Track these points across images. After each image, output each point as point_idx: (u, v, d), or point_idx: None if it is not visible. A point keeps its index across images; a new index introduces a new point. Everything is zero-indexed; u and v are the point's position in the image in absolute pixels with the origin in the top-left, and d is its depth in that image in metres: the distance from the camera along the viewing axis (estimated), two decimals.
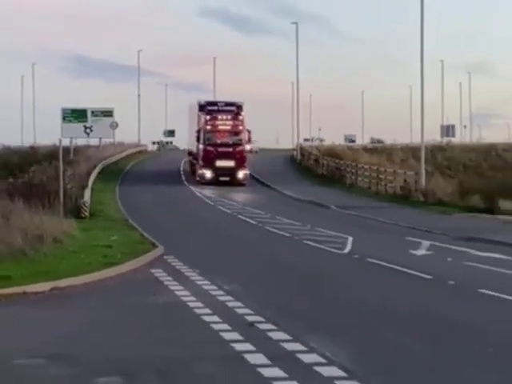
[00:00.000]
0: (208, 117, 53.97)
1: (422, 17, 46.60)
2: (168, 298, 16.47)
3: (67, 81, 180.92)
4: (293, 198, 47.06)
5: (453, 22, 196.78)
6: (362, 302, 16.37)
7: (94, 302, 16.50)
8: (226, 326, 13.39)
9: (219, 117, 54.09)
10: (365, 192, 50.80)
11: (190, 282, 18.32)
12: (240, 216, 35.71)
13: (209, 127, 53.66)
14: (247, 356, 11.40)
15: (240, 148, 53.80)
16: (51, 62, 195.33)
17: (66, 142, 57.04)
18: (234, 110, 55.15)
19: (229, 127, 54.14)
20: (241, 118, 54.63)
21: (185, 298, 16.24)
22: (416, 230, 30.60)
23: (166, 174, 61.32)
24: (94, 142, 75.06)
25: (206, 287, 17.59)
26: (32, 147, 77.41)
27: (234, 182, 52.98)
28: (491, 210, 36.12)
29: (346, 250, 24.81)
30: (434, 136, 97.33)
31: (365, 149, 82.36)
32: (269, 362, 11.06)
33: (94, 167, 55.70)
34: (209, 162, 53.20)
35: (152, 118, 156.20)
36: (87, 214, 33.22)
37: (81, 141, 74.29)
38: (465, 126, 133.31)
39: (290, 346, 11.98)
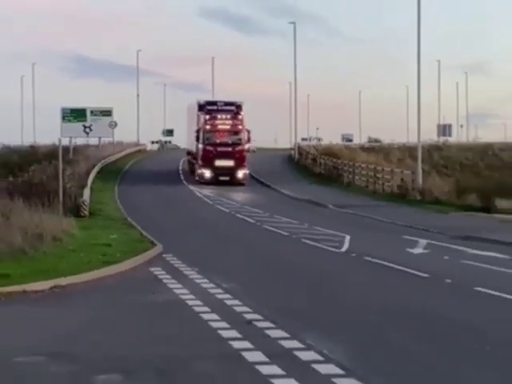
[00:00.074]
0: (207, 116, 53.61)
1: (418, 17, 46.63)
2: (167, 297, 16.47)
3: (67, 80, 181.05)
4: (291, 197, 47.06)
5: (450, 23, 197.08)
6: (360, 301, 16.38)
7: (93, 300, 16.50)
8: (224, 324, 13.40)
9: (219, 116, 53.71)
10: (362, 191, 50.80)
11: (188, 281, 18.33)
12: (238, 215, 35.71)
13: (208, 127, 53.26)
14: (245, 354, 11.41)
15: (239, 148, 53.44)
16: (51, 62, 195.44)
17: (65, 142, 57.06)
18: (234, 109, 54.79)
19: (228, 127, 53.74)
20: (240, 117, 54.25)
21: (184, 296, 16.25)
22: (413, 229, 30.61)
23: (164, 173, 61.28)
24: (93, 141, 75.07)
25: (204, 285, 17.59)
26: (32, 146, 77.38)
27: (234, 182, 52.64)
28: (488, 208, 36.14)
29: (344, 249, 24.82)
30: (430, 135, 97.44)
31: (362, 148, 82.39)
32: (267, 359, 11.07)
33: (94, 166, 55.68)
34: (208, 162, 52.87)
35: (151, 117, 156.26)
36: (86, 212, 33.21)
37: (80, 140, 74.28)
38: (461, 126, 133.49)
39: (287, 344, 11.99)
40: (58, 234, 23.77)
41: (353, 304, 16.01)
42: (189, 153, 61.65)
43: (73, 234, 25.38)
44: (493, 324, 14.07)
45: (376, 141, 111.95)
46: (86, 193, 37.90)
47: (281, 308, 15.25)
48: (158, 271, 19.83)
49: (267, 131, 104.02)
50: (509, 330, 13.67)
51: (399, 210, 39.08)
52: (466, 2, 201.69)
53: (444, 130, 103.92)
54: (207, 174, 52.94)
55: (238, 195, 47.61)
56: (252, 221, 33.26)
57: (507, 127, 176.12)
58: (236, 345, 11.97)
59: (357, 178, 55.02)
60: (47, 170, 42.36)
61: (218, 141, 53.19)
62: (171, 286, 17.68)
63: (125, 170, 63.32)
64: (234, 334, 12.70)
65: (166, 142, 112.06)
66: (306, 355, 11.31)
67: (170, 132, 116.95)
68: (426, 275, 19.33)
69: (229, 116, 53.97)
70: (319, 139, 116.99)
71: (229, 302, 15.51)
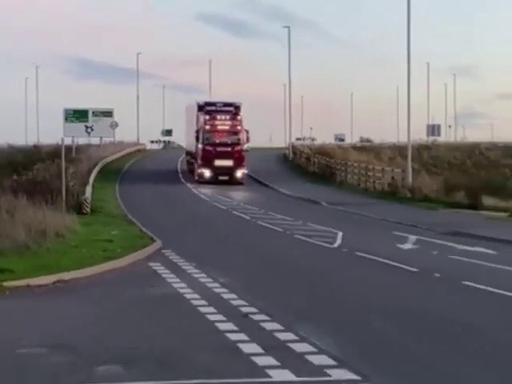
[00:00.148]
0: (207, 117, 53.06)
1: (408, 21, 46.58)
2: (166, 290, 16.46)
3: (70, 82, 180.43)
4: (285, 195, 47.04)
5: (439, 26, 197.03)
6: (351, 294, 16.39)
7: (95, 294, 16.48)
8: (221, 317, 13.40)
9: (218, 117, 53.18)
10: (354, 189, 50.79)
11: (186, 275, 18.32)
12: (235, 212, 35.69)
13: (208, 127, 52.68)
14: (242, 345, 11.41)
15: (238, 148, 52.86)
16: (55, 64, 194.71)
17: (68, 141, 56.82)
18: (232, 110, 54.29)
19: (227, 127, 53.17)
20: (239, 118, 53.74)
21: (182, 290, 16.24)
22: (403, 225, 30.62)
23: (164, 172, 61.14)
24: (94, 141, 74.91)
25: (202, 280, 17.59)
26: (35, 146, 77.18)
27: (233, 181, 52.10)
28: (475, 206, 36.15)
29: (336, 244, 24.81)
30: (420, 135, 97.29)
31: (354, 147, 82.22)
32: (262, 351, 11.07)
33: (95, 165, 55.58)
34: (208, 162, 52.33)
35: (150, 118, 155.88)
36: (88, 210, 33.17)
37: (82, 140, 74.22)
38: (450, 126, 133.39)
39: (282, 336, 11.99)
40: (61, 231, 23.74)
41: (345, 297, 16.02)
42: (188, 153, 61.30)
43: (75, 230, 25.35)
44: (480, 317, 14.10)
45: (367, 140, 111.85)
46: (88, 191, 37.86)
47: (275, 301, 15.25)
48: (157, 266, 19.82)
49: (263, 131, 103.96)
50: (495, 322, 13.69)
51: (390, 207, 39.07)
52: (455, 7, 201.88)
53: (433, 129, 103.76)
54: (207, 173, 52.43)
55: (235, 194, 47.52)
56: (248, 217, 33.25)
57: (494, 127, 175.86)
58: (232, 337, 11.97)
59: (349, 176, 54.99)
60: (50, 168, 42.24)
61: (217, 141, 52.62)
62: (170, 280, 17.67)
63: (125, 169, 63.24)
64: (230, 326, 12.69)
65: (169, 142, 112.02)
66: (300, 347, 11.32)
67: (168, 132, 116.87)
68: (415, 270, 19.34)
69: (228, 116, 53.47)
70: (313, 139, 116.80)
71: (225, 296, 15.50)
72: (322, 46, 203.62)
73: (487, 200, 36.19)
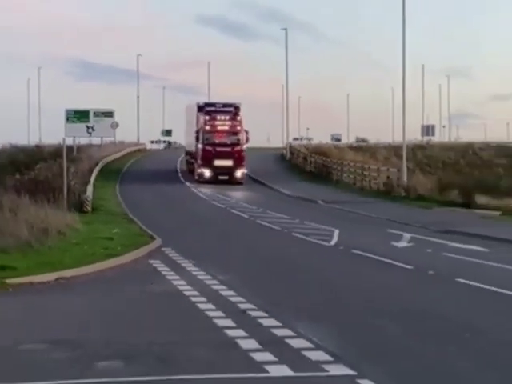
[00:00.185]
0: (207, 117, 52.75)
1: (403, 24, 46.60)
2: (165, 287, 16.46)
3: (71, 84, 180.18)
4: (283, 194, 47.04)
5: (434, 28, 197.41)
6: (347, 291, 16.40)
7: (96, 290, 16.48)
8: (219, 314, 13.40)
9: (218, 117, 52.87)
10: (350, 188, 50.80)
11: (186, 272, 18.32)
12: (233, 210, 35.71)
13: (208, 127, 52.34)
14: (240, 341, 11.41)
15: (238, 148, 52.55)
16: (57, 66, 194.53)
17: (69, 141, 56.72)
18: (232, 110, 54.03)
19: (227, 127, 52.85)
20: (239, 118, 53.43)
21: (181, 287, 16.25)
22: (398, 224, 30.64)
23: (163, 171, 61.09)
24: (95, 140, 74.86)
25: (201, 277, 17.59)
26: (38, 146, 77.11)
27: (232, 181, 51.78)
28: (468, 204, 36.19)
29: (333, 242, 24.83)
30: (415, 135, 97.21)
31: (350, 147, 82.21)
32: (260, 346, 11.08)
33: (96, 164, 55.55)
34: (208, 162, 52.01)
35: (150, 118, 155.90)
36: (89, 208, 33.17)
37: (83, 140, 74.22)
38: (444, 126, 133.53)
39: (279, 332, 12.00)
40: (63, 229, 23.74)
41: (340, 294, 16.04)
42: (187, 152, 61.03)
43: (76, 228, 25.35)
44: (472, 312, 14.12)
45: (363, 140, 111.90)
46: (89, 189, 37.85)
47: (273, 298, 15.25)
48: (157, 263, 19.83)
49: (261, 131, 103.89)
50: (487, 317, 13.71)
51: (385, 206, 39.10)
52: (450, 9, 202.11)
53: (427, 130, 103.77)
54: (207, 173, 52.11)
55: (234, 193, 47.51)
56: (246, 216, 33.26)
57: (487, 128, 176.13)
58: (231, 333, 11.97)
59: (345, 175, 55.01)
60: (52, 168, 42.27)
61: (217, 141, 52.29)
62: (169, 277, 17.67)
63: (126, 168, 63.22)
64: (228, 322, 12.70)
65: (170, 143, 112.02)
66: (297, 343, 11.32)
67: (168, 132, 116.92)
68: (409, 267, 19.36)
69: (228, 117, 53.15)
70: (310, 139, 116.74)
71: (224, 293, 15.51)
72: (319, 47, 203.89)
73: (480, 199, 36.23)
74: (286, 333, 11.94)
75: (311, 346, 11.17)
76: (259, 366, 10.11)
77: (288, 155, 74.99)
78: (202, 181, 51.61)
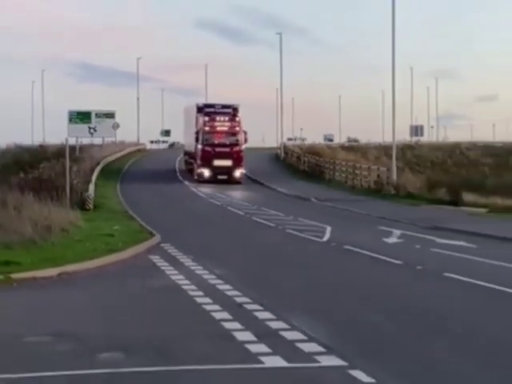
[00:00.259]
0: (206, 118, 52.25)
1: (393, 28, 46.61)
2: (164, 282, 16.45)
3: (74, 85, 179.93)
4: (277, 192, 47.02)
5: (422, 30, 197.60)
6: (340, 286, 16.41)
7: (97, 285, 16.48)
8: (216, 307, 13.40)
9: (217, 118, 52.38)
10: (342, 186, 50.80)
11: (184, 267, 18.32)
12: (230, 208, 35.69)
13: (207, 128, 51.81)
14: (236, 334, 11.42)
15: (237, 148, 51.97)
16: (60, 68, 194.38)
17: (72, 141, 56.75)
18: (231, 111, 53.66)
19: (226, 128, 52.30)
20: (237, 119, 53.00)
21: (179, 282, 16.24)
22: (388, 220, 30.64)
23: (163, 170, 60.94)
24: (97, 141, 74.71)
25: (198, 272, 17.59)
26: (41, 146, 76.97)
27: (231, 181, 51.31)
28: (456, 202, 36.22)
29: (325, 238, 24.83)
30: (404, 135, 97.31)
31: (342, 147, 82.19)
32: (255, 339, 11.09)
33: (98, 164, 55.43)
34: (207, 162, 51.50)
35: (150, 119, 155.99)
36: (91, 206, 33.14)
37: (85, 140, 73.92)
38: (432, 127, 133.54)
39: (274, 325, 12.00)
40: (66, 226, 23.72)
41: (333, 289, 16.04)
42: (186, 153, 60.60)
43: (79, 225, 25.33)
44: (459, 305, 14.14)
45: (355, 140, 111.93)
46: (91, 188, 37.81)
47: (268, 292, 15.25)
48: (156, 259, 19.82)
49: (256, 132, 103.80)
50: (473, 310, 13.75)
51: (375, 204, 39.10)
52: (438, 12, 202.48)
53: (416, 130, 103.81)
54: (206, 173, 51.57)
55: (230, 191, 47.43)
56: (241, 213, 33.25)
57: (473, 128, 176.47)
58: (227, 325, 11.98)
59: (337, 174, 54.99)
60: (55, 167, 42.20)
61: (216, 142, 51.74)
62: (168, 272, 17.67)
63: (126, 167, 63.14)
64: (225, 315, 12.70)
65: (175, 143, 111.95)
66: (291, 335, 11.34)
67: (167, 132, 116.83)
68: (399, 262, 19.37)
69: (226, 118, 52.67)
70: (303, 139, 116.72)
71: (221, 287, 15.51)
72: (314, 51, 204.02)
73: (467, 196, 36.26)
74: (280, 325, 11.95)
75: (304, 337, 11.18)
76: (255, 358, 10.12)
77: (282, 155, 74.94)
78: (202, 180, 51.19)
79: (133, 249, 21.06)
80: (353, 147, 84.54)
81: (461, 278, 16.87)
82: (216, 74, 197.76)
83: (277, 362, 9.97)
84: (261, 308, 13.31)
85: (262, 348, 10.55)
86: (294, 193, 44.99)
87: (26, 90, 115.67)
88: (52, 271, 17.21)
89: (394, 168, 46.06)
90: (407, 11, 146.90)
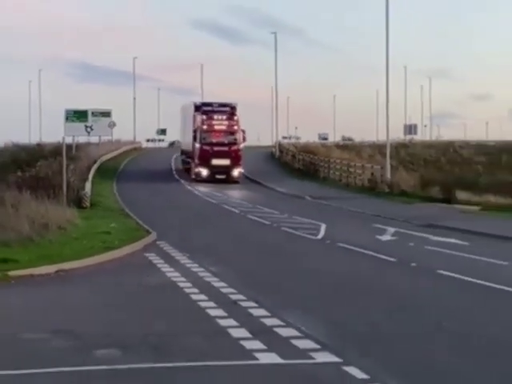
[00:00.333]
0: (204, 117, 51.52)
1: (387, 28, 46.64)
2: (160, 279, 16.46)
3: (71, 84, 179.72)
4: (272, 190, 46.99)
5: (416, 30, 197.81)
6: (335, 283, 16.44)
7: (94, 282, 16.47)
8: (212, 304, 13.41)
9: (215, 117, 51.65)
10: (336, 184, 50.81)
11: (179, 265, 18.32)
12: (225, 206, 35.69)
13: (205, 127, 51.09)
14: (231, 330, 11.43)
15: (235, 147, 51.23)
16: (58, 68, 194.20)
17: (68, 140, 56.59)
18: (229, 110, 52.84)
19: (224, 127, 51.57)
20: (235, 118, 52.29)
21: (175, 279, 16.25)
22: (382, 218, 30.67)
23: (159, 169, 60.86)
24: (94, 139, 74.56)
25: (194, 269, 17.59)
26: (38, 144, 76.84)
27: (229, 180, 50.75)
28: (449, 200, 36.27)
29: (320, 236, 24.85)
30: (398, 134, 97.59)
31: (337, 146, 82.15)
32: (250, 335, 11.10)
33: (94, 162, 55.36)
34: (205, 161, 50.80)
35: (146, 118, 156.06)
36: (88, 204, 33.12)
37: (82, 138, 73.93)
38: (425, 125, 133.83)
39: (269, 322, 12.02)
40: (63, 224, 23.70)
41: (328, 286, 16.06)
42: (183, 151, 59.85)
43: (76, 223, 25.31)
44: (452, 302, 14.16)
45: (349, 139, 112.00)
46: (88, 186, 37.77)
47: (263, 289, 15.26)
48: (152, 256, 19.81)
49: (251, 130, 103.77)
50: (465, 306, 13.78)
51: (369, 202, 39.12)
52: (432, 11, 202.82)
53: (410, 129, 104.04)
54: (204, 172, 50.90)
55: (226, 190, 47.37)
56: (237, 211, 33.25)
57: (466, 127, 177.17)
58: (222, 322, 11.99)
59: (332, 172, 55.00)
60: (52, 165, 42.12)
61: (214, 140, 50.97)
62: (164, 269, 17.67)
63: (122, 166, 63.10)
64: (220, 312, 12.71)
65: (175, 141, 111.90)
66: (286, 332, 11.35)
67: (163, 131, 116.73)
68: (393, 259, 19.40)
69: (225, 117, 51.91)
70: (298, 138, 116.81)
71: (216, 284, 15.51)
72: (308, 51, 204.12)
73: (460, 194, 36.31)
74: (274, 322, 11.97)
75: (299, 334, 11.19)
76: (250, 354, 10.13)
77: (277, 153, 74.92)
78: (200, 179, 50.51)
79: (129, 246, 21.05)
80: (347, 146, 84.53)
81: (453, 275, 16.90)
82: (213, 74, 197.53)
83: (272, 358, 9.98)
84: (255, 305, 13.33)
85: (256, 345, 10.56)
86: (289, 191, 44.98)
87: (25, 90, 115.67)
88: (49, 269, 17.20)
89: (388, 166, 46.09)
90: (406, 11, 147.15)
